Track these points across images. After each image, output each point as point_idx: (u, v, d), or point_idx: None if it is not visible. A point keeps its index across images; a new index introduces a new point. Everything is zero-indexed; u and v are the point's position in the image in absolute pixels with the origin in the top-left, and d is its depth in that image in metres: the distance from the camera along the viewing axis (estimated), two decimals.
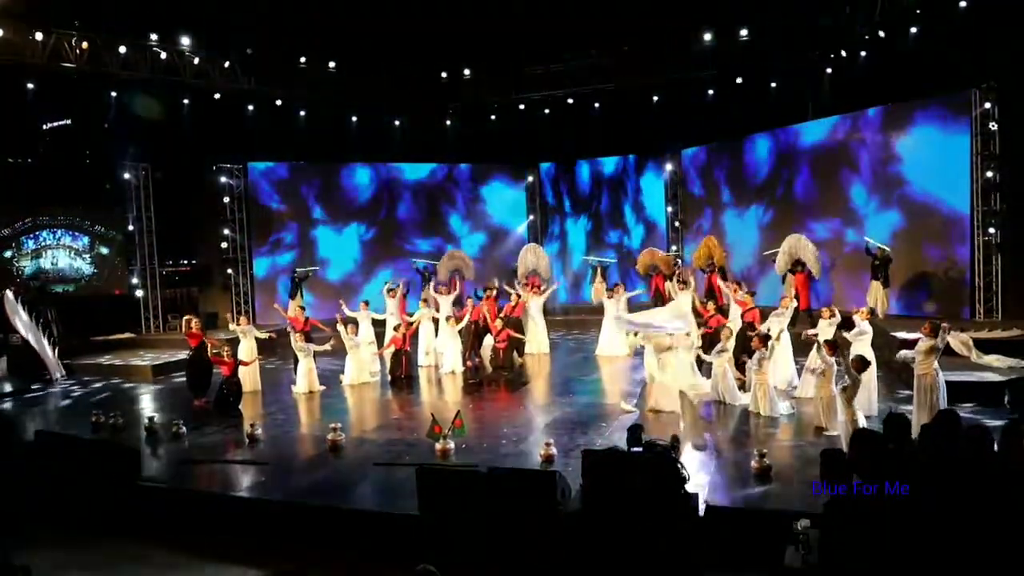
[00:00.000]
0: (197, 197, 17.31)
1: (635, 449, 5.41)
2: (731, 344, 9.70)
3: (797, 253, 13.43)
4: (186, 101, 16.20)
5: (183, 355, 12.28)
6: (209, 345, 10.59)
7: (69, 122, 15.38)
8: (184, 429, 8.78)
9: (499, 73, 18.05)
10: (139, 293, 16.77)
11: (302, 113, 17.78)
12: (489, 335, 12.79)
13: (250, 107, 17.11)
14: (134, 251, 16.72)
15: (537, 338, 13.95)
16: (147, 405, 10.96)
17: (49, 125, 15.42)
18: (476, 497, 5.62)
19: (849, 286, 14.17)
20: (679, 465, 5.06)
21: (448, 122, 19.26)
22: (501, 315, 12.73)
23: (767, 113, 15.97)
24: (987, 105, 12.34)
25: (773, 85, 16.01)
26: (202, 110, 16.28)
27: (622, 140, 18.55)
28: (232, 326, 11.86)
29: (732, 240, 17.09)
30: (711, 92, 16.75)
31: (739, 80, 16.11)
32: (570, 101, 18.13)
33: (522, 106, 18.46)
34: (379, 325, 13.70)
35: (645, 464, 5.06)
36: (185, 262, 18.12)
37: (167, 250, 17.39)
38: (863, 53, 14.09)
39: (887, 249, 12.83)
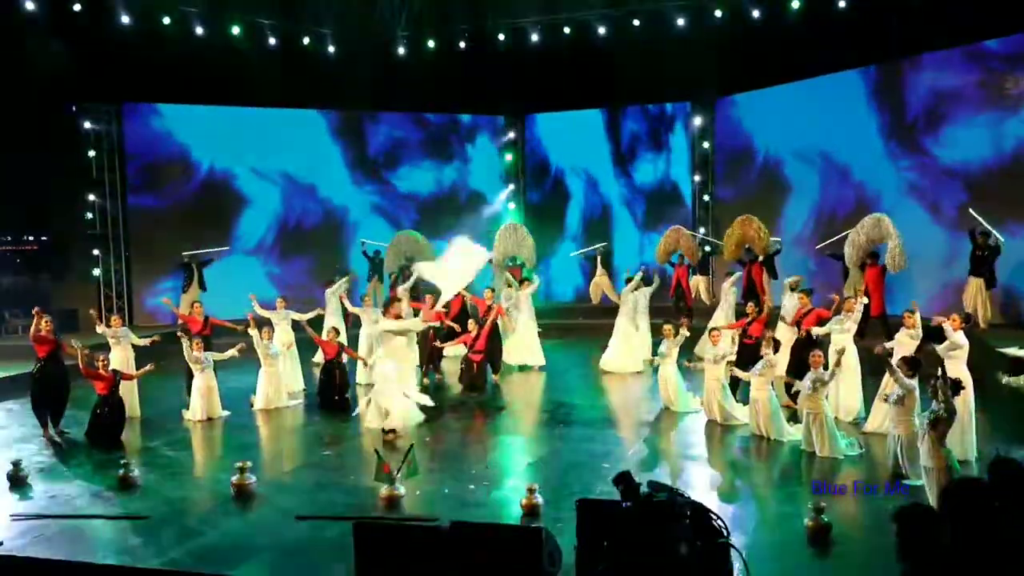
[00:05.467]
0: (50, 149, 17.00)
1: (626, 503, 5.34)
2: (777, 360, 9.81)
3: (877, 239, 13.44)
4: (31, 6, 15.38)
5: (26, 368, 12.00)
6: (81, 355, 10.30)
7: None
8: (25, 472, 8.65)
9: None
10: None
11: (198, 30, 17.28)
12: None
13: (125, 19, 16.62)
14: None
15: (526, 346, 14.04)
16: None
17: None
18: (434, 561, 5.64)
19: (937, 284, 14.36)
20: (714, 516, 5.09)
21: (400, 49, 18.94)
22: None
23: (837, 48, 15.98)
24: None
25: (842, 4, 15.82)
26: (60, 31, 15.88)
27: (637, 85, 18.51)
28: (100, 328, 11.81)
29: (780, 222, 17.29)
30: (756, 14, 16.66)
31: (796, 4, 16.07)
32: (567, 30, 18.04)
33: (502, 36, 18.28)
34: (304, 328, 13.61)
35: (665, 518, 5.08)
36: (31, 238, 17.86)
37: (5, 222, 17.11)
38: None
39: (1000, 239, 12.92)
